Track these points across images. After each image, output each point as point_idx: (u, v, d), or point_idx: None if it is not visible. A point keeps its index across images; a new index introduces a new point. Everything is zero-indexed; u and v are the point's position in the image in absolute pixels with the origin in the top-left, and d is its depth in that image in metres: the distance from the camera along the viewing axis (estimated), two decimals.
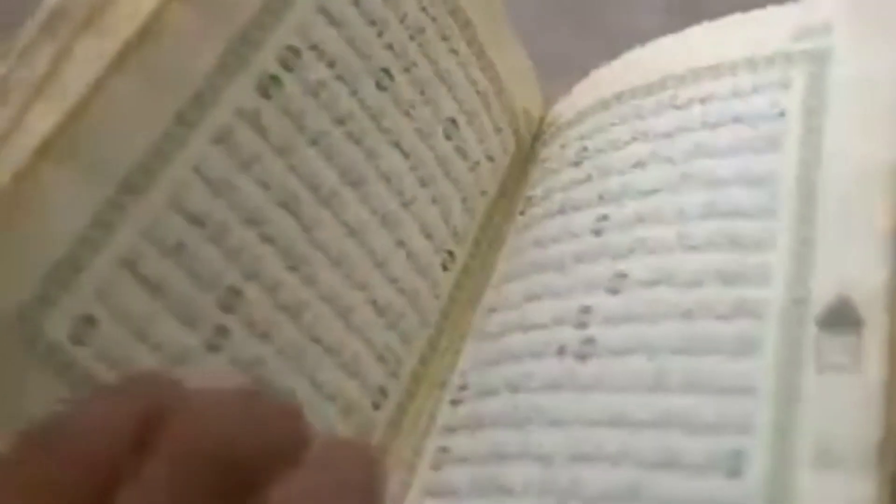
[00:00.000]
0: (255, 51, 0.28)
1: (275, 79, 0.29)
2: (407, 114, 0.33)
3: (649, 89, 0.35)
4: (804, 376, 0.28)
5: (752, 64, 0.34)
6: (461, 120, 0.35)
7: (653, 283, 0.31)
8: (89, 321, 0.25)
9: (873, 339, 0.28)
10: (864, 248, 0.29)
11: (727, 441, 0.27)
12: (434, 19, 0.34)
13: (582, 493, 0.29)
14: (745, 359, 0.28)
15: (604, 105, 0.37)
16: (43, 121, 0.24)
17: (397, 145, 0.33)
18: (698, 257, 0.30)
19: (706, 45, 0.35)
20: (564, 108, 0.40)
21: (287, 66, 0.29)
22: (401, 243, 0.33)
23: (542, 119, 0.40)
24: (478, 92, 0.36)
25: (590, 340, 0.31)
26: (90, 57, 0.25)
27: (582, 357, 0.31)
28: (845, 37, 0.33)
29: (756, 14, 0.35)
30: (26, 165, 0.24)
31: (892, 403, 0.27)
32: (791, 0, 0.35)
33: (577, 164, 0.36)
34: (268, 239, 0.29)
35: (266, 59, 0.29)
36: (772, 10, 0.35)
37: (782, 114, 0.32)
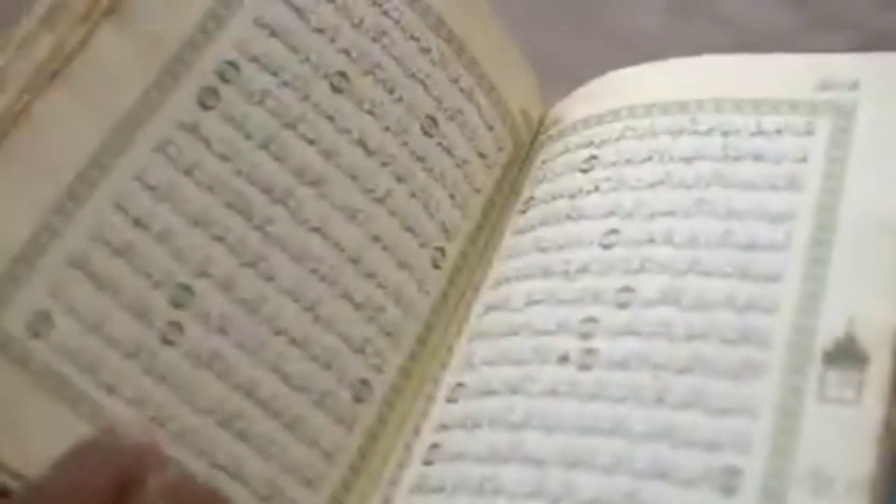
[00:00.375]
0: (189, 69, 0.31)
1: (213, 91, 0.31)
2: (371, 113, 0.34)
3: (666, 108, 0.37)
4: (805, 404, 0.29)
5: (775, 106, 0.35)
6: (441, 118, 0.36)
7: (661, 301, 0.32)
8: (45, 317, 0.28)
9: (876, 377, 0.29)
10: (874, 292, 0.31)
11: (723, 458, 0.29)
12: (397, 21, 0.35)
13: (574, 498, 0.29)
14: (748, 382, 0.30)
15: (615, 115, 0.37)
16: None
17: (361, 144, 0.34)
18: (709, 282, 0.32)
19: (729, 75, 0.37)
20: (568, 109, 0.40)
21: (225, 79, 0.31)
22: (375, 238, 0.34)
23: (541, 119, 0.40)
24: (461, 90, 0.37)
25: (593, 351, 0.32)
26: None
27: (584, 367, 0.32)
28: (871, 95, 0.35)
29: (781, 57, 0.37)
30: None
31: (889, 440, 0.28)
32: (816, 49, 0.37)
33: (585, 171, 0.36)
34: (217, 238, 0.31)
35: (203, 75, 0.31)
36: (797, 57, 0.37)
37: (804, 159, 0.34)
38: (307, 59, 0.33)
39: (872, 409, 0.28)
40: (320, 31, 0.34)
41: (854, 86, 0.35)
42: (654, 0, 0.53)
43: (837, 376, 0.29)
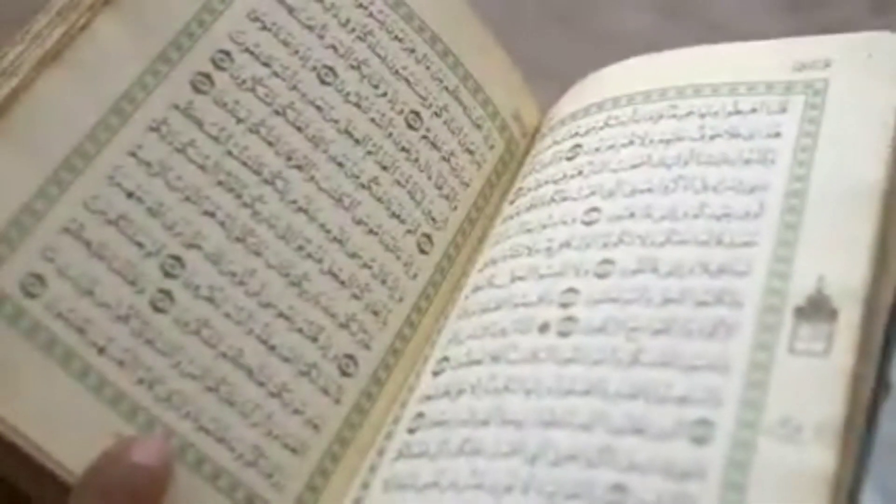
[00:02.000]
0: (184, 55, 0.33)
1: (207, 77, 0.34)
2: (357, 105, 0.37)
3: (647, 96, 0.39)
4: (776, 358, 0.30)
5: (752, 87, 0.37)
6: (425, 113, 0.38)
7: (638, 270, 0.33)
8: (38, 278, 0.30)
9: (844, 328, 0.31)
10: (842, 253, 0.32)
11: (695, 412, 0.30)
12: (382, 23, 0.38)
13: (550, 455, 0.31)
14: (720, 341, 0.31)
15: (600, 107, 0.40)
16: None
17: (348, 133, 0.36)
18: (685, 251, 0.33)
19: (708, 63, 0.39)
20: (559, 108, 0.42)
21: (219, 66, 0.34)
22: (360, 221, 0.36)
23: (538, 125, 0.42)
24: (445, 88, 0.39)
25: (572, 318, 0.33)
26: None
27: (563, 333, 0.33)
28: (842, 72, 0.37)
29: (758, 43, 0.39)
30: None
31: (856, 387, 0.29)
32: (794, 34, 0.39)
33: (570, 158, 0.38)
34: (208, 213, 0.33)
35: (198, 61, 0.34)
36: (773, 42, 0.39)
37: (778, 134, 0.35)
38: (296, 52, 0.36)
39: (841, 358, 0.29)
40: (309, 27, 0.36)
41: (827, 64, 0.36)
42: (644, 3, 0.55)
43: (808, 330, 0.30)
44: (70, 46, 0.32)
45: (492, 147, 0.40)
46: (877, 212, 0.32)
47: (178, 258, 0.32)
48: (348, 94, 0.36)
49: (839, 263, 0.31)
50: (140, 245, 0.32)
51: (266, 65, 0.35)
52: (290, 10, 0.36)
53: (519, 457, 0.31)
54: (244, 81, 0.34)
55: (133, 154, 0.32)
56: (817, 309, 0.30)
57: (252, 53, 0.35)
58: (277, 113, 0.35)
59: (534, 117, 0.42)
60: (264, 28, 0.35)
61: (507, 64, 0.42)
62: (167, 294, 0.32)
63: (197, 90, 0.34)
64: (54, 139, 0.31)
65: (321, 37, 0.36)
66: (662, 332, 0.31)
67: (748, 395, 0.29)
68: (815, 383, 0.29)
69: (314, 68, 0.36)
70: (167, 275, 0.32)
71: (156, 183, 0.32)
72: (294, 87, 0.35)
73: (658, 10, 0.54)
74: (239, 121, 0.34)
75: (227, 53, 0.34)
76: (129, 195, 0.32)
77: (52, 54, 0.31)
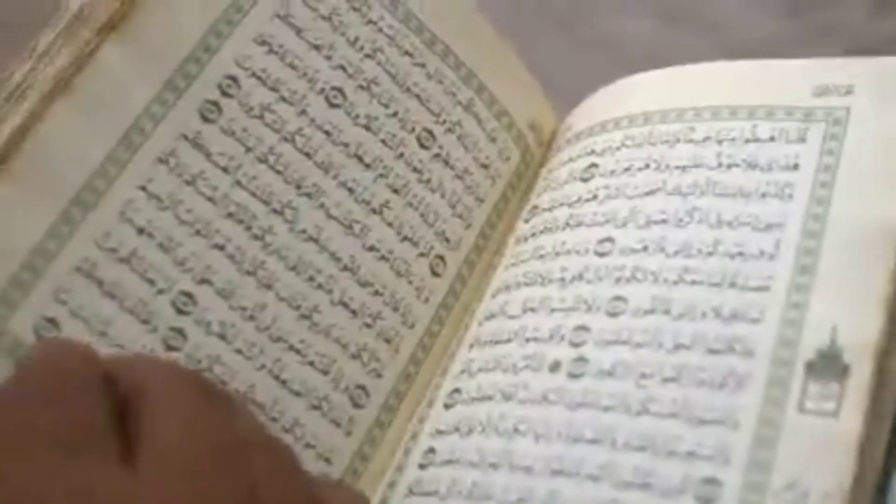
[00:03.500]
0: (192, 82, 0.33)
1: (215, 104, 0.33)
2: (367, 127, 0.36)
3: (664, 116, 0.38)
4: (786, 414, 0.30)
5: (770, 112, 0.36)
6: (438, 130, 0.38)
7: (650, 311, 0.33)
8: (52, 321, 0.30)
9: (855, 390, 0.30)
10: (860, 303, 0.31)
11: (704, 469, 0.30)
12: (392, 39, 0.37)
13: None
14: (731, 393, 0.31)
15: (616, 123, 0.39)
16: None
17: (358, 157, 0.36)
18: (698, 292, 0.33)
19: (726, 83, 0.38)
20: (577, 119, 0.41)
21: (226, 94, 0.34)
22: (371, 248, 0.36)
23: (553, 132, 0.42)
24: (458, 103, 0.39)
25: (583, 359, 0.33)
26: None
27: (574, 375, 0.33)
28: (865, 100, 0.36)
29: (778, 63, 0.38)
30: None
31: (866, 451, 0.29)
32: (813, 55, 0.38)
33: (585, 180, 0.38)
34: (218, 247, 0.33)
35: (205, 88, 0.34)
36: (794, 63, 0.38)
37: (797, 166, 0.35)
38: (304, 75, 0.35)
39: (851, 421, 0.29)
40: (317, 47, 0.36)
41: (849, 90, 0.35)
42: (644, 8, 0.55)
43: (818, 388, 0.30)
44: (77, 76, 0.31)
45: (507, 159, 0.40)
46: (895, 258, 0.31)
47: (189, 294, 0.32)
48: (357, 115, 0.36)
49: (854, 313, 0.31)
50: (151, 282, 0.32)
51: (274, 90, 0.35)
52: (298, 31, 0.35)
53: None
54: (252, 108, 0.34)
55: (143, 188, 0.32)
56: (828, 364, 0.30)
57: (259, 78, 0.35)
58: (286, 140, 0.35)
59: (550, 124, 0.42)
60: (271, 51, 0.35)
61: (522, 70, 0.41)
62: (179, 332, 0.32)
63: (205, 119, 0.33)
64: (65, 176, 0.31)
65: (329, 57, 0.36)
66: (672, 380, 0.32)
67: (757, 455, 0.30)
68: (824, 447, 0.29)
69: (322, 91, 0.36)
70: (179, 312, 0.32)
71: (166, 217, 0.32)
72: (302, 112, 0.35)
73: (658, 15, 0.53)
74: (247, 150, 0.34)
75: (235, 79, 0.34)
76: (140, 231, 0.32)
77: (61, 85, 0.31)
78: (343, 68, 0.36)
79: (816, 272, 0.32)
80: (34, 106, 0.31)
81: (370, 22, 0.37)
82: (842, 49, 0.49)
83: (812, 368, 0.31)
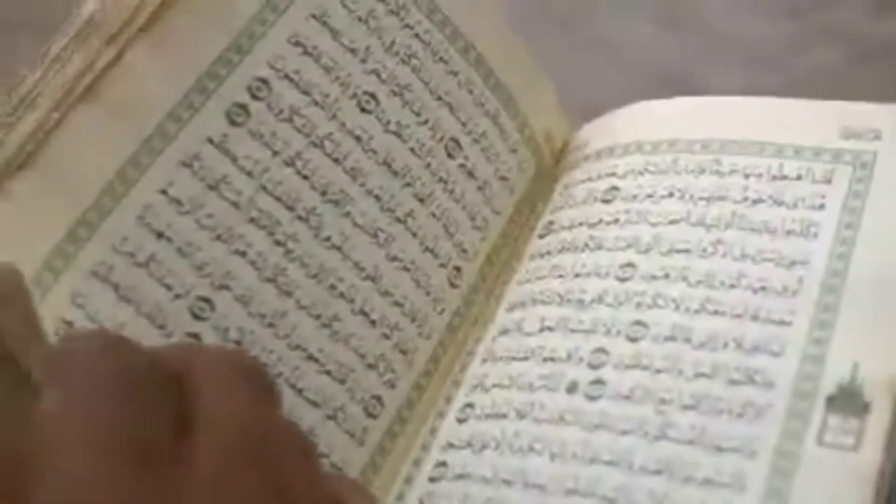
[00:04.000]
0: (220, 86, 0.33)
1: (243, 108, 0.33)
2: (398, 134, 0.36)
3: (690, 146, 0.38)
4: (805, 446, 0.31)
5: (798, 151, 0.37)
6: (465, 140, 0.38)
7: (671, 338, 0.34)
8: (67, 325, 0.30)
9: (875, 425, 0.31)
10: (880, 341, 0.32)
11: (720, 495, 0.31)
12: (427, 44, 0.37)
13: None
14: (749, 423, 0.32)
15: (639, 147, 0.39)
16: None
17: (387, 164, 0.36)
18: (719, 322, 0.34)
19: (754, 118, 0.39)
20: (594, 135, 0.42)
21: (256, 96, 0.34)
22: (394, 258, 0.36)
23: (565, 143, 0.42)
24: (486, 113, 0.39)
25: (601, 381, 0.34)
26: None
27: (591, 397, 0.34)
28: (892, 145, 0.36)
29: (807, 103, 0.39)
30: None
31: (882, 485, 0.30)
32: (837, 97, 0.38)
33: (606, 201, 0.38)
34: (239, 253, 0.33)
35: (234, 91, 0.33)
36: (823, 104, 0.38)
37: (822, 206, 0.35)
38: (337, 79, 0.35)
39: (870, 456, 0.30)
40: (353, 51, 0.36)
41: (876, 135, 0.36)
42: (642, 11, 0.54)
43: (838, 422, 0.31)
44: (103, 79, 0.31)
45: (524, 171, 0.40)
46: None
47: (207, 300, 0.32)
48: (389, 122, 0.36)
49: (875, 351, 0.32)
50: (168, 287, 0.32)
51: (306, 93, 0.34)
52: (335, 34, 0.35)
53: None
54: (282, 111, 0.34)
55: (164, 192, 0.32)
56: (849, 400, 0.31)
57: (291, 80, 0.34)
58: (314, 144, 0.35)
59: (563, 134, 0.42)
60: (306, 52, 0.35)
61: (547, 85, 0.41)
62: (196, 337, 0.32)
63: (232, 122, 0.33)
64: (84, 179, 0.31)
65: (364, 61, 0.36)
66: (691, 407, 0.32)
67: (773, 484, 0.30)
68: (842, 480, 0.30)
69: (355, 95, 0.35)
70: (196, 317, 0.32)
71: (186, 222, 0.32)
72: (333, 117, 0.35)
73: (656, 18, 0.53)
74: (274, 153, 0.34)
75: (265, 82, 0.34)
76: (159, 236, 0.32)
77: (84, 88, 0.31)
78: (377, 73, 0.36)
79: (839, 310, 0.33)
80: (55, 108, 0.31)
81: (407, 26, 0.37)
82: (841, 50, 0.49)
83: (832, 403, 0.31)
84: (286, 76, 0.34)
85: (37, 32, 0.32)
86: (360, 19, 0.36)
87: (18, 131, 0.30)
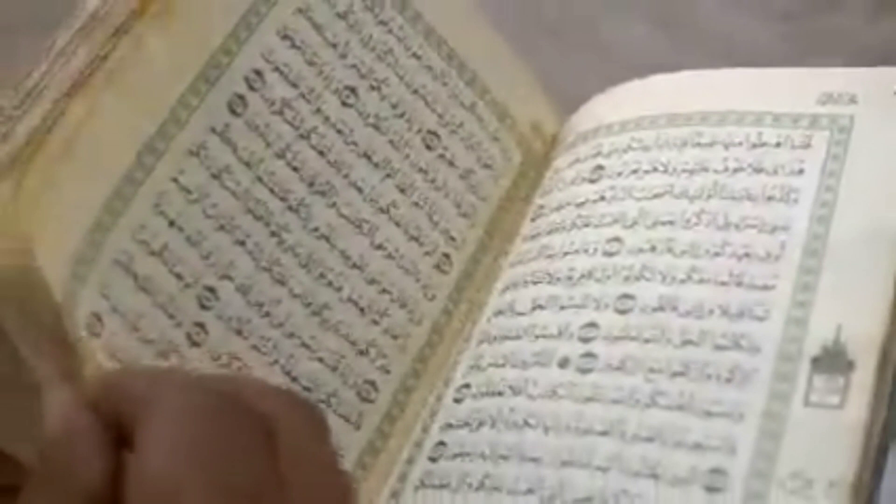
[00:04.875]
0: (222, 75, 0.34)
1: (242, 98, 0.34)
2: (376, 127, 0.38)
3: (672, 120, 0.40)
4: (791, 408, 0.32)
5: (777, 119, 0.38)
6: (443, 132, 0.39)
7: (659, 308, 0.35)
8: (97, 317, 0.30)
9: (860, 383, 0.32)
10: (862, 301, 0.33)
11: (710, 459, 0.32)
12: (401, 40, 0.39)
13: (567, 496, 0.33)
14: (737, 387, 0.33)
15: (623, 126, 0.41)
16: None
17: (367, 157, 0.37)
18: (705, 291, 0.35)
19: (733, 90, 0.40)
20: (580, 120, 0.43)
21: (252, 87, 0.35)
22: (379, 246, 0.37)
23: (556, 133, 0.43)
24: (462, 105, 0.40)
25: (591, 354, 0.35)
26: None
27: (583, 370, 0.35)
28: (868, 109, 0.37)
29: (784, 71, 0.40)
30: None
31: (868, 441, 0.31)
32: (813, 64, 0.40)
33: (592, 181, 0.40)
34: (239, 242, 0.34)
35: (234, 82, 0.34)
36: (799, 71, 0.40)
37: (802, 171, 0.37)
38: (321, 73, 0.36)
39: (855, 413, 0.31)
40: (334, 45, 0.37)
41: (852, 99, 0.37)
42: (637, 14, 0.56)
43: (823, 381, 0.32)
44: (120, 65, 0.32)
45: (510, 160, 0.42)
46: None
47: (212, 289, 0.33)
48: (368, 116, 0.38)
49: (858, 312, 0.33)
50: (179, 276, 0.32)
51: (294, 85, 0.36)
52: (318, 28, 0.36)
53: (536, 496, 0.33)
54: (274, 103, 0.35)
55: (175, 180, 0.33)
56: (833, 360, 0.32)
57: (282, 73, 0.36)
58: (302, 137, 0.36)
59: (553, 123, 0.43)
60: (293, 46, 0.36)
61: (523, 71, 0.43)
62: (202, 327, 0.33)
63: (233, 112, 0.34)
64: (109, 166, 0.31)
65: (344, 56, 0.37)
66: (680, 374, 0.33)
67: (762, 446, 0.31)
68: (829, 438, 0.31)
69: (336, 90, 0.37)
70: (203, 307, 0.33)
71: (195, 211, 0.33)
72: (318, 110, 0.36)
73: (651, 21, 0.55)
74: (268, 145, 0.35)
75: (260, 73, 0.35)
76: (171, 224, 0.32)
77: (95, 78, 0.31)
78: (356, 68, 0.37)
79: (821, 273, 0.34)
80: (61, 102, 0.31)
81: (382, 22, 0.38)
82: (840, 53, 0.51)
83: (817, 364, 0.32)
84: (277, 69, 0.36)
85: (37, 35, 0.32)
86: (339, 15, 0.37)
87: (25, 124, 0.31)
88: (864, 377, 0.32)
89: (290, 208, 0.35)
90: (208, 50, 0.34)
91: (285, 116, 0.35)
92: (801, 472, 0.31)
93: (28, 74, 0.33)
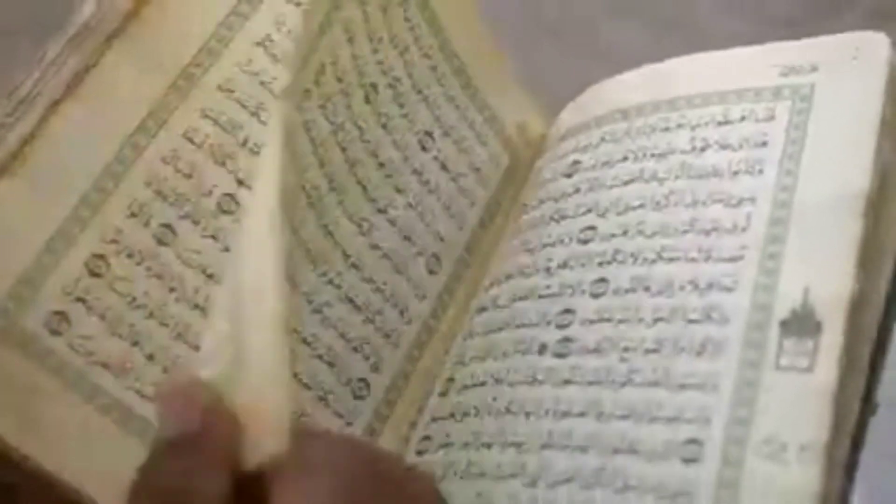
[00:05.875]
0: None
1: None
2: (384, 126, 0.39)
3: (641, 110, 0.41)
4: (763, 374, 0.32)
5: (740, 95, 0.39)
6: (437, 133, 0.41)
7: (631, 289, 0.36)
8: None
9: (829, 345, 0.32)
10: (828, 265, 0.33)
11: (686, 431, 0.32)
12: (417, 38, 0.40)
13: (549, 477, 0.33)
14: (709, 359, 0.33)
15: (598, 122, 0.42)
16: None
17: (375, 155, 0.39)
18: (675, 268, 0.36)
19: (698, 74, 0.41)
20: (562, 121, 0.44)
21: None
22: (375, 245, 0.38)
23: (543, 135, 0.44)
24: (456, 107, 0.41)
25: (569, 339, 0.36)
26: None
27: (560, 355, 0.36)
28: (828, 76, 0.38)
29: (746, 49, 0.41)
30: None
31: (841, 404, 0.31)
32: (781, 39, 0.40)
33: (568, 175, 0.41)
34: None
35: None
36: (761, 48, 0.40)
37: (765, 143, 0.37)
38: (359, 68, 0.37)
39: (825, 375, 0.31)
40: (371, 40, 0.38)
41: (813, 68, 0.38)
42: (635, 17, 0.56)
43: (793, 345, 0.32)
44: (84, 80, 0.34)
45: (496, 163, 0.43)
46: (862, 221, 0.33)
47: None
48: (380, 114, 0.39)
49: (824, 274, 0.33)
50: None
51: (339, 80, 0.36)
52: (366, 18, 0.37)
53: (519, 480, 0.33)
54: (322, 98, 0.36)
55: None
56: (802, 322, 0.32)
57: (335, 66, 0.36)
58: (334, 132, 0.36)
59: (539, 127, 0.44)
60: (349, 41, 0.37)
61: (514, 80, 0.44)
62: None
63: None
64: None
65: (376, 51, 0.38)
66: (654, 351, 0.34)
67: (736, 413, 0.32)
68: (799, 401, 0.31)
69: (364, 85, 0.38)
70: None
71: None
72: (349, 106, 0.37)
73: (651, 23, 0.55)
74: (312, 138, 0.36)
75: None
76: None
77: (69, 89, 0.34)
78: (381, 63, 0.38)
79: (787, 239, 0.34)
80: (41, 112, 0.33)
81: (407, 19, 0.39)
82: None
83: (786, 327, 0.32)
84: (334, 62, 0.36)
85: (37, 38, 0.35)
86: (381, 7, 0.38)
87: (17, 131, 0.33)
88: (832, 339, 0.32)
89: (310, 204, 0.36)
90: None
91: (327, 111, 0.36)
92: (775, 436, 0.31)
93: (21, 83, 0.35)
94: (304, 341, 0.36)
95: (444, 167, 0.41)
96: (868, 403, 0.32)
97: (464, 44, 0.41)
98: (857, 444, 0.31)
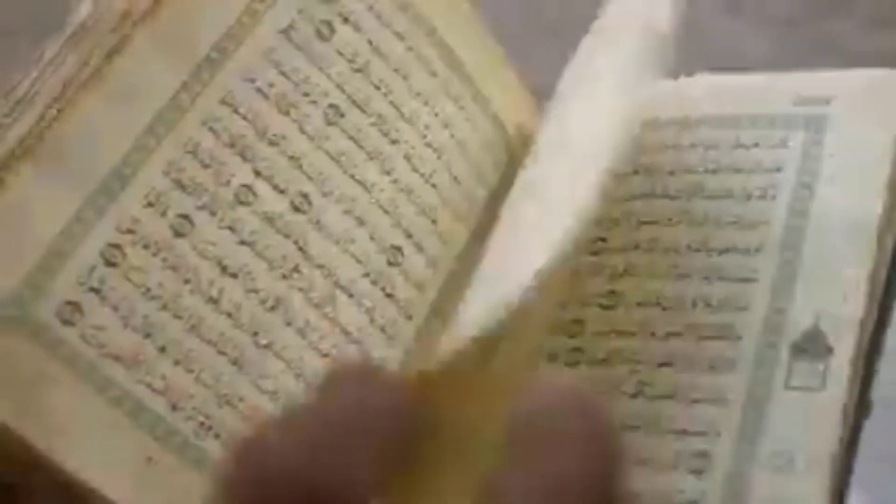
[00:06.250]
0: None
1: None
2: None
3: (653, 125, 0.42)
4: (773, 392, 0.34)
5: (754, 121, 0.40)
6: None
7: (643, 304, 0.37)
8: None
9: (839, 366, 0.34)
10: (839, 291, 0.35)
11: (695, 443, 0.34)
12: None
13: None
14: (720, 374, 0.35)
15: None
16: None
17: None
18: (687, 285, 0.37)
19: (712, 95, 0.42)
20: None
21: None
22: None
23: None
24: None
25: (578, 349, 0.37)
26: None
27: (570, 364, 0.37)
28: (842, 109, 0.40)
29: (761, 76, 0.42)
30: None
31: (846, 417, 0.33)
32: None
33: None
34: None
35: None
36: (775, 76, 0.42)
37: (779, 169, 0.39)
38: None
39: (835, 392, 0.33)
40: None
41: (827, 101, 0.40)
42: None
43: (804, 366, 0.34)
44: (107, 67, 0.34)
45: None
46: (873, 248, 0.35)
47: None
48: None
49: (836, 299, 0.35)
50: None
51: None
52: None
53: None
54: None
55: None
56: (813, 345, 0.34)
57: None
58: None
59: (535, 126, 0.44)
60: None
61: (515, 79, 0.44)
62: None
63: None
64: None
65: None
66: (666, 364, 0.35)
67: (745, 428, 0.33)
68: (809, 418, 0.33)
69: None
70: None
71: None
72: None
73: None
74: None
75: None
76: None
77: (79, 84, 0.33)
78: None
79: (800, 264, 0.36)
80: (52, 107, 0.33)
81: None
82: (837, 59, 0.51)
83: (797, 349, 0.34)
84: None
85: (36, 38, 0.34)
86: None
87: (15, 131, 0.33)
88: (843, 359, 0.33)
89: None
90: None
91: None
92: (783, 451, 0.33)
93: (18, 83, 0.34)
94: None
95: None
96: (862, 404, 0.34)
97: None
98: (852, 445, 0.33)
